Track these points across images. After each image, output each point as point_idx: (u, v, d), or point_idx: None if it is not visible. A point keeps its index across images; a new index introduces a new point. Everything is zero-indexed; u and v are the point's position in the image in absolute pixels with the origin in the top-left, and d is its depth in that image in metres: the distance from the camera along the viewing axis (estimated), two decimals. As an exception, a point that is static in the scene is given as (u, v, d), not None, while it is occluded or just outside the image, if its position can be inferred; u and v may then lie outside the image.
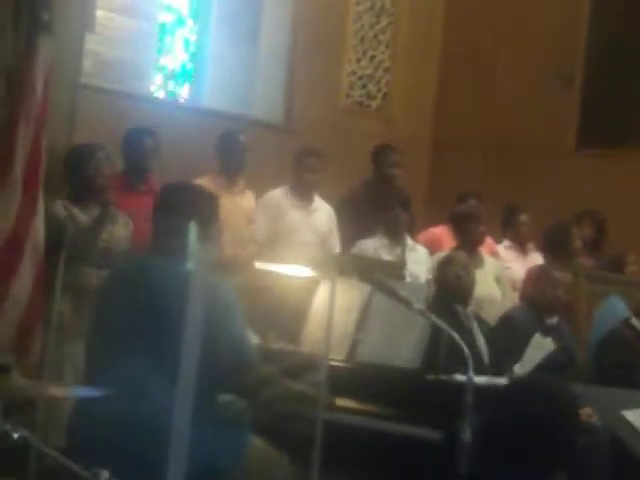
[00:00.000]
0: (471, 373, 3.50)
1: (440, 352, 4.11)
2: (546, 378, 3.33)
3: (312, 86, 8.36)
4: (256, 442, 3.38)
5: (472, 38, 9.26)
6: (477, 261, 6.12)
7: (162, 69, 8.12)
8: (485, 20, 9.24)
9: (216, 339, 2.85)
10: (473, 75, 9.29)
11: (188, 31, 8.31)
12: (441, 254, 5.91)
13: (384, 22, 9.08)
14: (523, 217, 7.08)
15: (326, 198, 6.37)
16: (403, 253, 5.99)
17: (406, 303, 3.78)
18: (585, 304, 6.35)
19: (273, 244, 5.89)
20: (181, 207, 3.36)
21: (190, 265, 3.05)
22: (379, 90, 9.08)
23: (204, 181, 5.54)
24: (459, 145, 9.11)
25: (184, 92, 8.33)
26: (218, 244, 3.80)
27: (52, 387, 3.41)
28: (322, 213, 6.24)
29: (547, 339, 5.04)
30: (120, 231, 4.96)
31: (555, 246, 6.66)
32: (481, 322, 5.33)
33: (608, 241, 7.65)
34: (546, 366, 4.79)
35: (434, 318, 3.88)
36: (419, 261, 6.06)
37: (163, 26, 8.03)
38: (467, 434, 3.39)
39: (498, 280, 6.21)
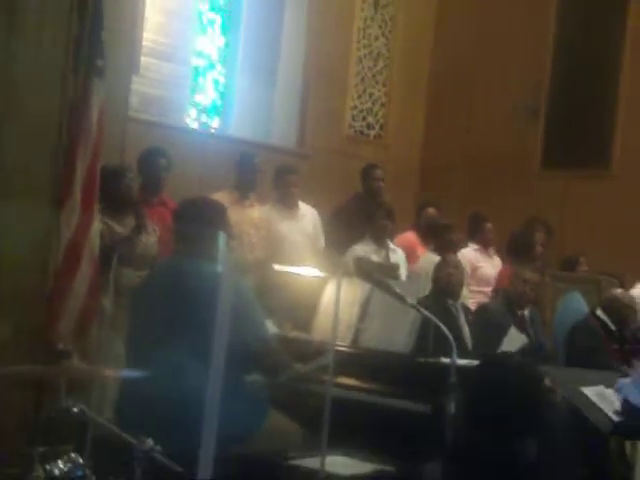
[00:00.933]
0: (455, 356, 3.49)
1: (429, 339, 4.10)
2: (512, 356, 3.32)
3: (321, 118, 8.36)
4: (275, 414, 3.38)
5: (454, 78, 9.25)
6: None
7: (196, 105, 8.12)
8: (464, 64, 9.23)
9: (241, 328, 2.85)
10: (455, 108, 9.29)
11: (217, 73, 8.32)
12: (433, 258, 5.89)
13: (381, 65, 9.08)
14: (489, 225, 7.07)
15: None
16: (387, 256, 6.00)
17: (400, 298, 3.78)
18: (549, 298, 6.34)
19: (274, 249, 5.86)
20: (196, 216, 3.36)
21: (218, 266, 3.07)
22: (377, 121, 9.07)
23: (220, 195, 5.49)
24: (443, 167, 9.10)
25: (215, 124, 8.33)
26: (230, 248, 3.78)
27: (105, 369, 3.41)
28: (308, 217, 6.19)
29: (521, 334, 5.01)
30: (150, 238, 4.93)
31: (521, 250, 6.65)
32: (467, 311, 5.32)
33: (556, 246, 7.62)
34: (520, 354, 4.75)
35: (424, 311, 3.87)
36: (399, 261, 6.04)
37: (196, 69, 8.04)
38: (451, 408, 3.38)
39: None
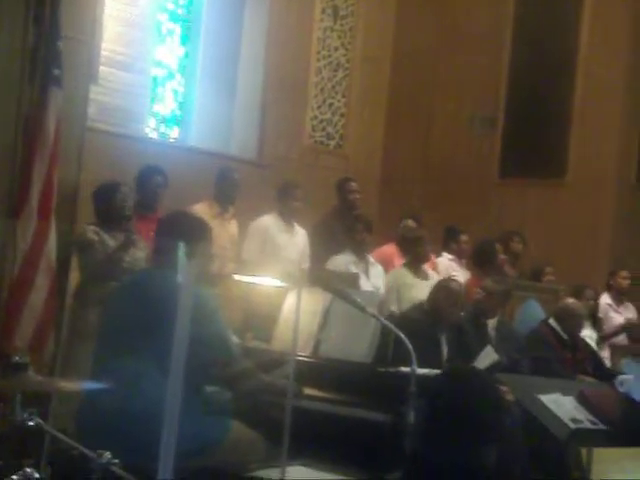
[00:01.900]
0: (414, 366, 3.50)
1: (389, 349, 4.11)
2: (472, 368, 3.33)
3: (281, 128, 8.37)
4: (236, 425, 3.36)
5: (414, 89, 9.34)
6: (423, 275, 6.19)
7: (155, 115, 8.09)
8: (424, 75, 9.33)
9: (202, 339, 2.84)
10: (414, 119, 9.37)
11: (177, 83, 8.29)
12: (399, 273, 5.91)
13: (340, 75, 9.12)
14: (464, 237, 7.16)
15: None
16: (367, 268, 6.04)
17: (361, 308, 3.78)
18: (510, 308, 6.40)
19: (261, 261, 5.92)
20: (177, 230, 3.37)
21: (179, 277, 3.06)
22: (336, 132, 9.10)
23: (201, 206, 5.71)
24: (403, 178, 9.16)
25: (174, 134, 8.30)
26: (209, 261, 3.78)
27: (62, 382, 3.37)
28: (300, 235, 6.33)
29: (494, 353, 5.02)
30: (139, 253, 4.92)
31: (483, 260, 6.71)
32: None
33: (528, 256, 7.72)
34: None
35: (383, 320, 3.88)
36: (378, 275, 6.09)
37: (155, 79, 8.00)
38: (411, 417, 3.39)
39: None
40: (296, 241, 6.28)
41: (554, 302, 6.30)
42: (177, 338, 1.60)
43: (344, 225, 6.39)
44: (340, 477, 3.25)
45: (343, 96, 9.13)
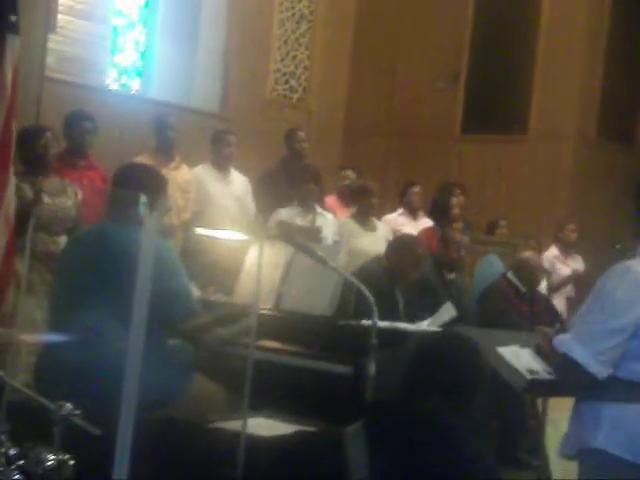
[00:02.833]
0: (376, 318, 3.52)
1: (350, 302, 4.14)
2: (455, 331, 3.36)
3: (243, 81, 8.28)
4: (198, 377, 3.37)
5: (378, 43, 9.28)
6: (370, 226, 6.17)
7: (116, 65, 7.95)
8: (388, 28, 9.27)
9: (164, 292, 2.82)
10: (378, 74, 9.32)
11: (138, 33, 8.14)
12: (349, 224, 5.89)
13: (304, 27, 9.01)
14: (415, 189, 7.13)
15: (252, 175, 6.34)
16: (314, 220, 5.98)
17: (322, 261, 3.78)
18: (468, 261, 6.46)
19: (202, 211, 5.86)
20: (134, 182, 3.33)
21: (140, 230, 3.03)
22: (300, 85, 9.03)
23: (141, 158, 5.43)
24: (366, 132, 9.14)
25: (135, 85, 8.17)
26: (166, 213, 3.76)
27: (21, 334, 3.34)
28: (237, 182, 6.18)
29: (453, 309, 5.05)
30: (67, 201, 4.80)
31: (439, 214, 6.73)
32: None
33: (486, 210, 7.79)
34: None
35: (345, 274, 3.90)
36: (328, 225, 6.04)
37: (116, 29, 7.85)
38: (372, 368, 3.42)
39: (387, 241, 6.20)
40: (232, 189, 6.12)
41: (512, 256, 6.37)
42: (139, 291, 1.59)
43: (290, 176, 6.32)
44: (301, 428, 3.29)
45: (306, 49, 9.04)
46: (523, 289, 5.76)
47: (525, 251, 6.13)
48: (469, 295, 6.07)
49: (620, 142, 9.11)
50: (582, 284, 7.35)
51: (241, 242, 4.58)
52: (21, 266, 4.35)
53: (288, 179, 6.31)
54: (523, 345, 2.91)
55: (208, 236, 5.04)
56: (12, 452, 2.15)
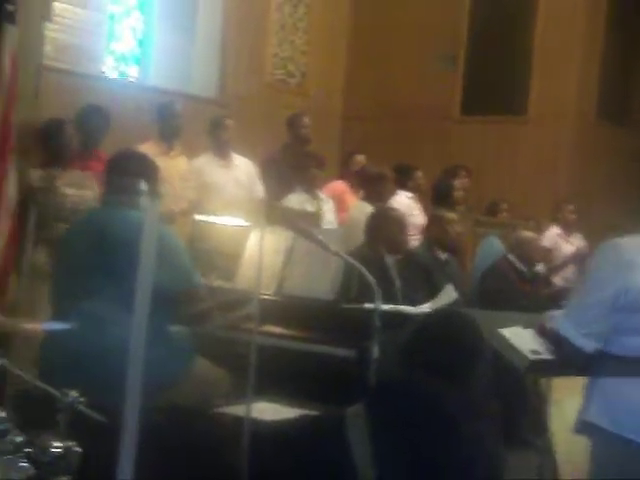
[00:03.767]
0: (379, 302, 3.53)
1: (352, 285, 4.14)
2: (459, 310, 3.35)
3: (241, 66, 8.26)
4: (201, 362, 3.38)
5: (375, 26, 9.24)
6: None
7: (113, 53, 7.92)
8: (386, 11, 9.23)
9: (166, 276, 2.82)
10: (376, 58, 9.28)
11: (135, 20, 8.11)
12: (365, 206, 5.87)
13: (301, 12, 8.97)
14: (419, 173, 7.11)
15: (252, 160, 6.34)
16: (319, 205, 6.00)
17: (323, 246, 3.79)
18: (469, 243, 6.46)
19: (207, 199, 5.86)
20: (129, 169, 3.33)
21: (142, 214, 3.03)
22: (297, 69, 9.00)
23: (146, 146, 5.49)
24: (363, 116, 9.12)
25: (132, 72, 8.14)
26: (160, 199, 3.76)
27: (26, 322, 3.35)
28: (242, 167, 6.19)
29: (454, 292, 5.05)
30: (88, 193, 4.85)
31: (441, 197, 6.72)
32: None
33: (487, 192, 7.78)
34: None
35: (346, 257, 3.90)
36: (330, 210, 6.05)
37: (112, 16, 7.81)
38: (374, 351, 3.43)
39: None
40: (237, 175, 6.14)
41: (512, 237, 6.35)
42: (141, 276, 1.59)
43: (294, 162, 6.31)
44: (304, 411, 3.30)
45: (304, 33, 9.00)
46: (523, 269, 5.76)
47: (524, 231, 6.12)
48: (469, 277, 6.08)
49: (620, 123, 9.08)
50: (583, 264, 7.35)
51: (242, 228, 4.58)
52: (39, 257, 4.38)
53: (292, 165, 6.31)
54: (525, 326, 2.91)
55: (208, 222, 5.04)
56: (18, 440, 2.16)
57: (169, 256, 3.06)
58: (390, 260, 5.11)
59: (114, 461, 1.56)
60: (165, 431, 2.84)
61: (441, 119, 8.91)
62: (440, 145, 8.65)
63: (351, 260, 3.79)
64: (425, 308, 4.65)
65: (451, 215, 5.70)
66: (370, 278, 3.53)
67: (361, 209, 6.10)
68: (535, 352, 2.78)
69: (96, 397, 2.37)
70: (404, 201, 6.92)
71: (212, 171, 6.02)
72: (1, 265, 4.32)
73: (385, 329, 3.52)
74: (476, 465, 2.07)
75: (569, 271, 7.52)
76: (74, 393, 2.27)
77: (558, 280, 7.26)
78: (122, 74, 8.02)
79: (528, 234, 6.00)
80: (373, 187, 6.25)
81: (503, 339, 2.89)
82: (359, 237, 5.15)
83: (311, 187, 6.01)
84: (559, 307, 3.39)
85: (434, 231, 5.61)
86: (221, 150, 6.10)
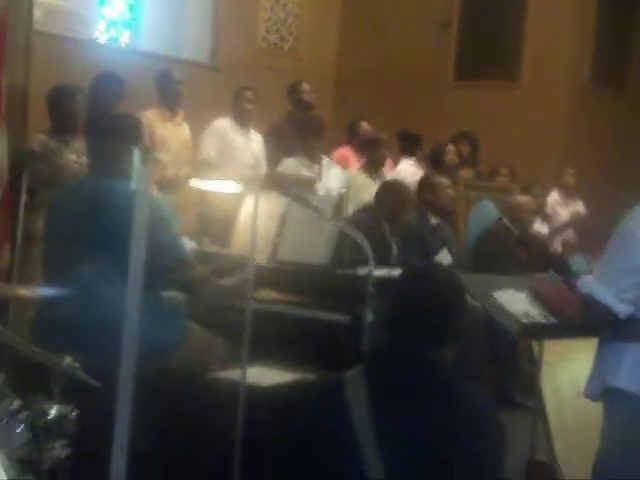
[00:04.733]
0: (372, 267, 3.53)
1: (345, 251, 4.14)
2: (434, 263, 3.32)
3: (234, 31, 8.18)
4: (196, 328, 3.38)
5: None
6: (380, 177, 6.16)
7: (104, 17, 7.84)
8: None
9: (156, 245, 2.81)
10: (369, 21, 9.20)
11: (126, -16, 8.01)
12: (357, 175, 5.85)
13: (293, -25, 8.88)
14: (451, 147, 7.06)
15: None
16: (320, 171, 5.98)
17: (317, 212, 3.78)
18: (462, 207, 6.45)
19: (218, 162, 5.95)
20: (108, 132, 3.26)
21: (133, 183, 3.01)
22: (290, 34, 8.92)
23: (150, 113, 5.63)
24: (357, 80, 9.05)
25: (124, 37, 8.06)
26: (154, 164, 3.71)
27: (20, 288, 3.34)
28: (256, 141, 6.31)
29: (448, 256, 5.09)
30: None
31: (435, 161, 6.71)
32: None
33: (481, 157, 7.75)
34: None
35: (340, 223, 3.89)
36: (334, 177, 6.04)
37: (103, -20, 7.72)
38: (368, 316, 3.44)
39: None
40: (251, 146, 6.26)
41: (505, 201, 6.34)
42: (135, 243, 1.58)
43: (295, 128, 6.31)
44: (299, 376, 3.31)
45: (297, -4, 8.91)
46: (517, 232, 5.76)
47: (517, 196, 6.12)
48: (463, 241, 6.08)
49: (613, 88, 9.04)
50: (582, 229, 7.39)
51: (236, 194, 4.56)
52: (35, 223, 4.36)
53: (294, 130, 6.32)
54: (518, 289, 2.92)
55: (203, 188, 5.02)
56: (14, 405, 2.16)
57: (155, 228, 3.02)
58: (387, 226, 5.13)
59: (109, 426, 1.56)
60: (160, 395, 2.85)
61: (434, 84, 8.85)
62: (433, 110, 8.60)
63: (344, 226, 3.78)
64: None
65: (440, 179, 5.70)
66: (363, 243, 3.53)
67: (348, 177, 6.09)
68: (528, 315, 2.79)
69: (90, 363, 2.37)
70: (409, 169, 6.90)
71: (233, 135, 6.14)
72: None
73: (380, 294, 3.52)
74: (482, 433, 2.06)
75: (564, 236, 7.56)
76: (69, 358, 2.27)
77: (557, 245, 7.29)
78: (113, 39, 7.94)
79: (520, 198, 6.00)
80: (368, 152, 6.27)
81: (496, 302, 2.90)
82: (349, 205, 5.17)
83: (311, 153, 6.00)
84: (556, 271, 3.40)
85: (426, 196, 5.61)
86: (243, 119, 6.19)
